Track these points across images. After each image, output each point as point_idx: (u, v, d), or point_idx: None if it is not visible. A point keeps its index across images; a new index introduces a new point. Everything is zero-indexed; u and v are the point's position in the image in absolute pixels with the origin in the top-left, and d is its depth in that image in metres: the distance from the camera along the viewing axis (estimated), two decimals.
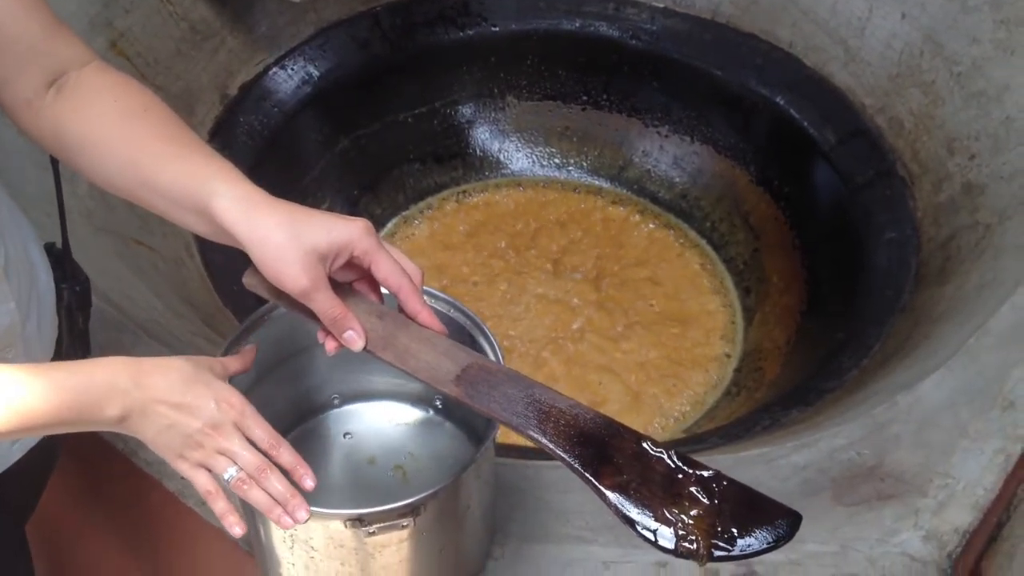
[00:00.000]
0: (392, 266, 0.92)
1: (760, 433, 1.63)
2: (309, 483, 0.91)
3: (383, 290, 0.96)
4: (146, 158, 0.91)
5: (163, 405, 0.87)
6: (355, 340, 0.93)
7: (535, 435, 0.89)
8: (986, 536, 1.33)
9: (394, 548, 1.02)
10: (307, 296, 0.90)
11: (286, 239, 0.87)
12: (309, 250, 0.88)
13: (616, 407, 2.02)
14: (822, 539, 1.22)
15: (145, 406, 0.86)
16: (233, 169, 0.91)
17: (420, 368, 0.94)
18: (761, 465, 1.34)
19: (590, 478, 0.87)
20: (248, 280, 0.95)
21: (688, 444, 1.73)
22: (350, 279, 0.96)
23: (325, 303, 0.91)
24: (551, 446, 0.89)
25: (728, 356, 2.15)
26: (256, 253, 0.88)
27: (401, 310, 0.96)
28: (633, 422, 2.00)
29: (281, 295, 0.92)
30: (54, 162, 1.08)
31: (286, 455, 0.91)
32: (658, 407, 2.04)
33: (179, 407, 0.87)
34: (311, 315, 0.93)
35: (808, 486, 1.30)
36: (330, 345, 0.95)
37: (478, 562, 1.21)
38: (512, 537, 1.24)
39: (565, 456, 0.88)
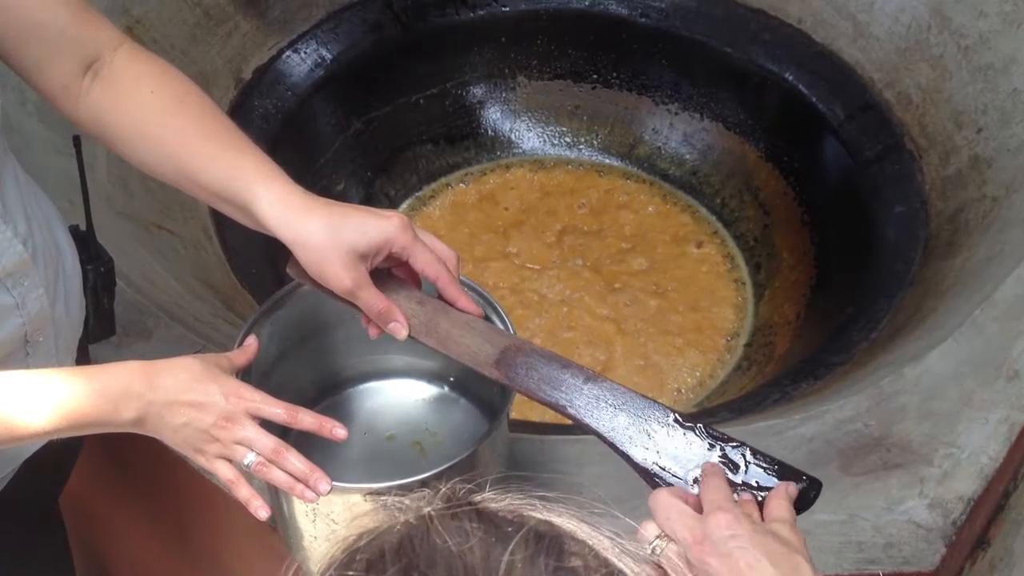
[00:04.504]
0: (429, 257, 0.95)
1: (770, 406, 1.65)
2: (340, 432, 0.95)
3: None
4: (186, 155, 0.94)
5: (176, 404, 0.90)
6: (400, 330, 0.97)
7: (572, 411, 0.93)
8: (992, 505, 1.35)
9: None
10: (351, 295, 0.93)
11: (327, 241, 0.90)
12: (349, 251, 0.91)
13: (626, 381, 2.05)
14: (830, 508, 1.24)
15: (160, 407, 0.89)
16: (271, 167, 0.94)
17: (462, 353, 0.97)
18: (770, 437, 1.36)
19: (624, 451, 0.90)
20: (291, 270, 0.99)
21: (700, 418, 1.75)
22: (389, 266, 0.98)
23: (369, 299, 0.94)
24: (586, 421, 0.92)
25: (739, 331, 2.17)
26: (300, 254, 0.92)
27: (440, 296, 0.99)
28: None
29: (322, 286, 0.95)
30: (77, 144, 1.11)
31: (307, 419, 0.95)
32: (670, 380, 2.07)
33: (191, 404, 0.90)
34: (352, 305, 0.96)
35: (816, 457, 1.32)
36: (373, 331, 0.99)
37: None
38: None
39: (600, 431, 0.91)
